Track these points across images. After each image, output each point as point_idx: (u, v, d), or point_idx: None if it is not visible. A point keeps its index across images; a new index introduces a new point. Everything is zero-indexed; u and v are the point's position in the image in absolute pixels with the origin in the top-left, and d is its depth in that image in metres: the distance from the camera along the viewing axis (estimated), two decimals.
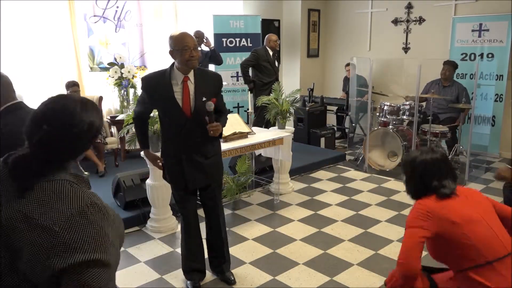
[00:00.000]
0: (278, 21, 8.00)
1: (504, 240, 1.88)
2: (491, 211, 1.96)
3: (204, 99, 2.65)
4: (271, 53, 5.99)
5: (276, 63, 6.09)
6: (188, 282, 3.04)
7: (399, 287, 1.87)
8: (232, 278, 3.11)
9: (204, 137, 2.73)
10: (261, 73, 5.97)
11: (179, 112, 2.65)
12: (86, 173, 1.31)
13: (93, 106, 1.28)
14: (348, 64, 7.31)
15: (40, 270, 1.07)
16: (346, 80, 7.42)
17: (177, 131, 2.70)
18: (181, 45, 2.57)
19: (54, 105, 1.22)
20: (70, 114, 1.20)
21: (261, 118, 5.63)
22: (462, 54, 6.33)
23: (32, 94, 5.53)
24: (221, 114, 2.83)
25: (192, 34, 2.74)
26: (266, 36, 6.06)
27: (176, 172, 2.79)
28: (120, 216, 3.80)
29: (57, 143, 1.18)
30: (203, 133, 2.70)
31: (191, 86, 2.66)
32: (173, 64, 2.70)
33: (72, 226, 1.09)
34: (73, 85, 5.45)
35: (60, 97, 1.25)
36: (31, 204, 1.11)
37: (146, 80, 2.73)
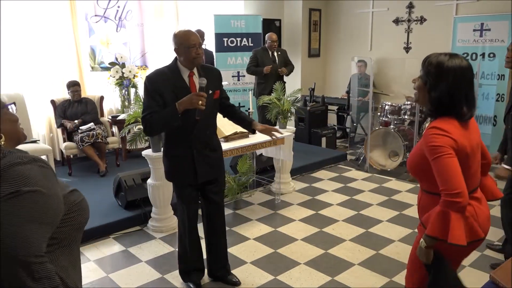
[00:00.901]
0: (279, 20, 7.99)
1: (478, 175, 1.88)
2: (480, 144, 1.91)
3: (210, 91, 2.70)
4: (270, 52, 5.97)
5: (277, 61, 6.00)
6: (190, 283, 3.03)
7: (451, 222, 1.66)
8: (237, 279, 3.11)
9: (211, 131, 2.83)
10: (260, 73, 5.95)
11: None
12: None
13: None
14: (360, 61, 7.23)
15: None
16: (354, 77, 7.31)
17: (190, 125, 2.69)
18: (187, 43, 2.61)
19: None
20: None
21: (262, 118, 5.63)
22: (463, 54, 6.32)
23: (34, 93, 5.55)
24: (233, 107, 3.00)
25: None
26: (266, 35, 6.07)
27: (186, 167, 2.78)
28: (121, 216, 3.72)
29: None
30: (211, 126, 2.81)
31: (197, 80, 2.70)
32: (176, 60, 2.71)
33: (6, 172, 1.10)
34: (73, 85, 5.46)
35: None
36: None
37: (154, 78, 2.65)
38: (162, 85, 2.63)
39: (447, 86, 1.72)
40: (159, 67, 2.78)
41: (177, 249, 3.09)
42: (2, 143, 1.21)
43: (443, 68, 1.72)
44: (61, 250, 1.23)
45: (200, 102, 2.54)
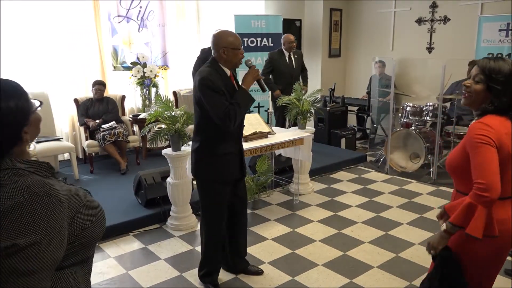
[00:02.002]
0: (300, 20, 7.96)
1: None
2: None
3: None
4: (287, 54, 5.86)
5: (294, 64, 5.88)
6: (209, 285, 3.04)
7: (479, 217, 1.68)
8: (258, 268, 3.23)
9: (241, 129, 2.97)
10: (276, 77, 5.87)
11: None
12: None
13: (12, 91, 1.19)
14: (378, 61, 7.13)
15: None
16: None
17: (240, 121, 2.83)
18: (235, 45, 2.68)
19: None
20: None
21: (281, 118, 5.62)
22: (488, 54, 6.17)
23: (58, 92, 5.67)
24: None
25: (213, 34, 2.76)
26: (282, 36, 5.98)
27: (235, 164, 2.88)
28: (141, 213, 3.79)
29: None
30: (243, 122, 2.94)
31: (233, 81, 2.81)
32: (215, 60, 2.72)
33: (8, 213, 1.06)
34: (98, 84, 5.58)
35: None
36: None
37: (212, 77, 2.64)
38: (219, 83, 2.66)
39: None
40: (202, 69, 2.72)
41: (195, 248, 3.11)
42: (35, 152, 1.22)
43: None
44: (74, 268, 1.22)
45: (258, 73, 2.81)
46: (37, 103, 1.26)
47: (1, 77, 1.23)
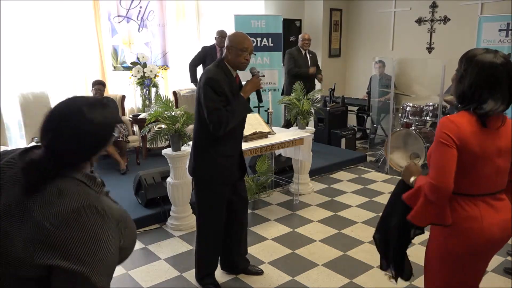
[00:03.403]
0: (300, 20, 7.96)
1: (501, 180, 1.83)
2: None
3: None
4: (303, 52, 6.12)
5: (309, 62, 6.19)
6: (211, 286, 3.03)
7: (426, 205, 1.75)
8: (259, 269, 3.24)
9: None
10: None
11: None
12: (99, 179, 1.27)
13: (103, 106, 1.23)
14: (378, 61, 7.15)
15: (27, 262, 1.08)
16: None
17: (240, 125, 2.83)
18: (242, 45, 2.65)
19: (60, 107, 1.20)
20: (76, 115, 1.17)
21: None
22: None
23: (58, 92, 5.66)
24: None
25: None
26: None
27: (236, 164, 2.89)
28: (141, 213, 3.79)
29: (66, 145, 1.16)
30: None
31: (238, 83, 2.81)
32: (222, 60, 2.72)
33: (63, 226, 1.07)
34: (98, 84, 5.56)
35: (69, 99, 1.23)
36: (34, 196, 1.11)
37: (217, 78, 2.63)
38: (224, 85, 2.65)
39: (470, 78, 1.73)
40: (209, 68, 2.71)
41: (195, 248, 3.10)
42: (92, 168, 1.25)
43: (472, 60, 1.73)
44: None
45: (260, 84, 2.83)
46: (116, 134, 1.29)
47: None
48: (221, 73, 2.66)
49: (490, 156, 1.74)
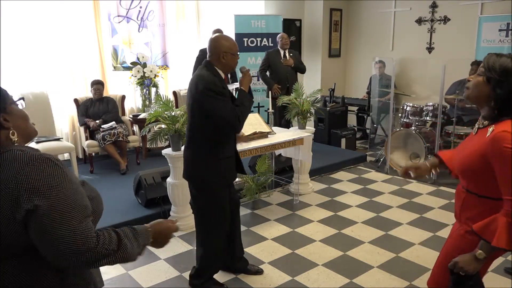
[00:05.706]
0: (300, 20, 7.96)
1: None
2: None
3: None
4: (282, 52, 5.90)
5: (289, 60, 5.90)
6: (217, 286, 3.03)
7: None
8: (258, 268, 3.26)
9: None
10: (272, 74, 5.91)
11: None
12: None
13: None
14: (378, 62, 7.13)
15: (7, 229, 1.18)
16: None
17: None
18: (235, 49, 2.72)
19: None
20: None
21: (280, 119, 5.62)
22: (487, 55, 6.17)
23: (58, 92, 5.67)
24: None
25: (212, 32, 2.79)
26: None
27: (233, 166, 2.91)
28: (141, 213, 3.77)
29: None
30: None
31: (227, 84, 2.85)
32: (211, 64, 2.71)
33: (33, 172, 1.18)
34: (96, 83, 5.58)
35: None
36: None
37: (214, 82, 2.64)
38: (223, 90, 2.68)
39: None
40: (202, 73, 2.69)
41: (195, 248, 3.11)
42: (16, 139, 1.26)
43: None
44: None
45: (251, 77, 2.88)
46: (16, 98, 1.33)
47: None
48: (214, 77, 2.68)
49: None
